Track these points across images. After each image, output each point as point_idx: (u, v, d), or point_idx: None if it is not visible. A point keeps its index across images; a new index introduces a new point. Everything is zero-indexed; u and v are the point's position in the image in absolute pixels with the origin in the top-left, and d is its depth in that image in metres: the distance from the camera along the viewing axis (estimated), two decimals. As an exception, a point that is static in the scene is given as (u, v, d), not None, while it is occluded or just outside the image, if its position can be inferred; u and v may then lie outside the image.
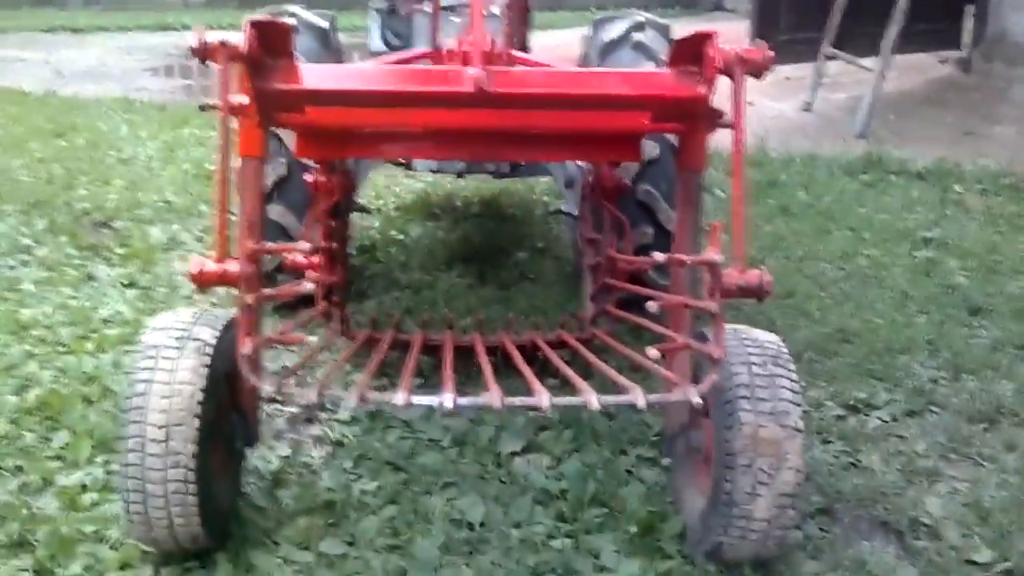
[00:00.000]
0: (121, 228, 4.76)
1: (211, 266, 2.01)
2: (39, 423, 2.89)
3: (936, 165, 6.13)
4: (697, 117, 2.18)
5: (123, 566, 2.28)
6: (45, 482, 2.60)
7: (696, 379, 2.18)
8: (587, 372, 2.60)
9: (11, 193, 5.23)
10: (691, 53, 2.00)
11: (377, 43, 4.67)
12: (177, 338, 2.12)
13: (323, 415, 2.98)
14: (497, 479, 2.67)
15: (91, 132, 6.91)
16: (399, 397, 1.82)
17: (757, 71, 1.91)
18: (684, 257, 2.11)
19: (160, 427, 2.04)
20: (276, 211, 3.42)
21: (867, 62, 7.27)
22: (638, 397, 1.89)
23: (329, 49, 3.63)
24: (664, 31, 3.66)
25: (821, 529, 2.53)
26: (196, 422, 2.05)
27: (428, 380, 3.12)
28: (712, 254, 1.97)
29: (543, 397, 1.87)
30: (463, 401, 1.86)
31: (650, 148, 3.36)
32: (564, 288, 4.02)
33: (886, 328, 3.73)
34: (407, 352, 2.66)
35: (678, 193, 2.35)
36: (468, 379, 3.07)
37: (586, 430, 2.88)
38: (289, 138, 3.16)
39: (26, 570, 2.26)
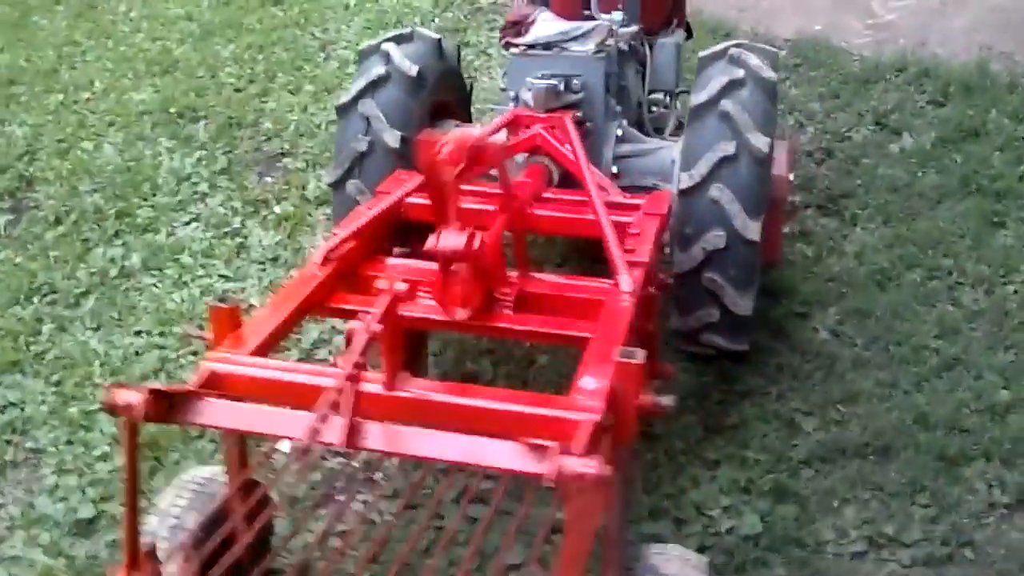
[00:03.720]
0: (288, 170, 5.16)
1: None
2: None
3: None
4: None
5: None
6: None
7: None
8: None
9: (212, 103, 5.73)
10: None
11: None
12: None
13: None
14: None
15: (306, -2, 7.17)
16: None
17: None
18: None
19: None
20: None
21: None
22: None
23: (442, 59, 3.74)
24: (769, 90, 3.40)
25: None
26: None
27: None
28: None
29: None
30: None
31: (715, 239, 3.27)
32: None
33: (973, 418, 3.52)
34: None
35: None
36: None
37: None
38: None
39: None
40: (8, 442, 3.56)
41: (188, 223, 4.77)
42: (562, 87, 3.49)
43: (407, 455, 2.12)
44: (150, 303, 4.22)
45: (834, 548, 3.11)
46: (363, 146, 3.49)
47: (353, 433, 2.04)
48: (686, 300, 3.42)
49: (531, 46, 3.61)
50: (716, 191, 3.26)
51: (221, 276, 4.39)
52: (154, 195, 4.96)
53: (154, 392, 2.08)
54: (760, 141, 3.26)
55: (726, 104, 3.32)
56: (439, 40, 3.78)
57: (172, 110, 5.67)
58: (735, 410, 3.58)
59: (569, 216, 3.19)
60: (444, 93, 3.85)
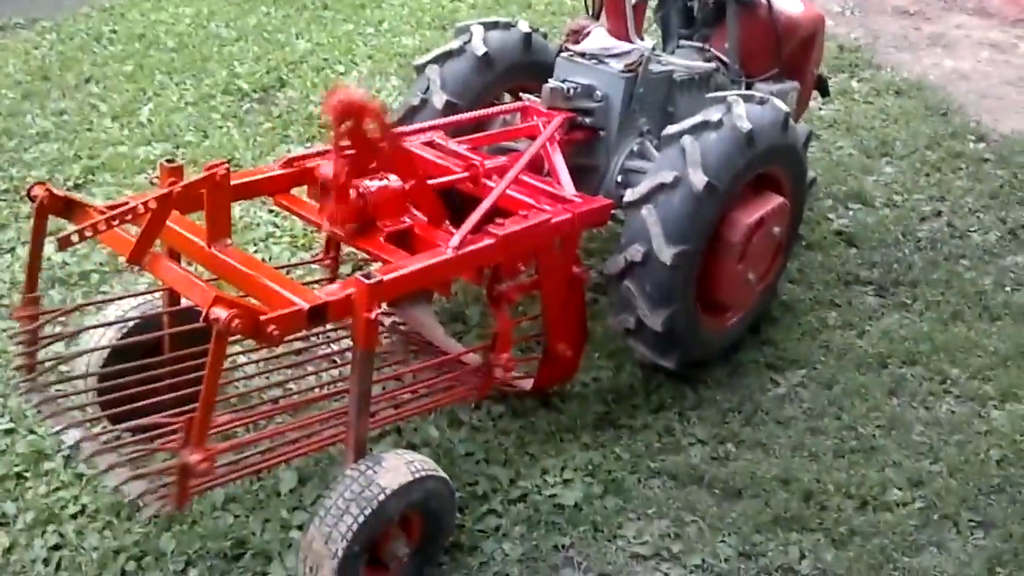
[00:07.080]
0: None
1: None
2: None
3: None
4: None
5: None
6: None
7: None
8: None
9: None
10: None
11: None
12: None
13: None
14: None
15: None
16: None
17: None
18: None
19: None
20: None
21: None
22: None
23: (529, 50, 4.35)
24: (739, 139, 3.72)
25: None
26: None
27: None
28: None
29: None
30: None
31: (635, 252, 3.69)
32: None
33: (836, 499, 3.61)
34: None
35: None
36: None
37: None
38: None
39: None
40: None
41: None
42: (571, 92, 4.01)
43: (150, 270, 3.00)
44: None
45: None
46: (416, 101, 4.23)
47: (138, 248, 2.91)
48: (614, 302, 3.86)
49: (578, 54, 4.16)
50: (646, 211, 3.66)
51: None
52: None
53: (51, 193, 2.99)
54: (698, 178, 3.59)
55: (687, 139, 3.69)
56: (528, 33, 4.35)
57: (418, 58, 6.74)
58: (633, 407, 3.99)
59: (492, 187, 3.57)
60: (526, 79, 4.41)
